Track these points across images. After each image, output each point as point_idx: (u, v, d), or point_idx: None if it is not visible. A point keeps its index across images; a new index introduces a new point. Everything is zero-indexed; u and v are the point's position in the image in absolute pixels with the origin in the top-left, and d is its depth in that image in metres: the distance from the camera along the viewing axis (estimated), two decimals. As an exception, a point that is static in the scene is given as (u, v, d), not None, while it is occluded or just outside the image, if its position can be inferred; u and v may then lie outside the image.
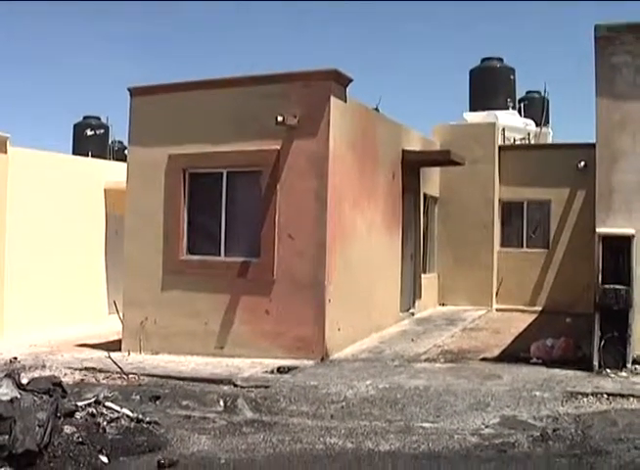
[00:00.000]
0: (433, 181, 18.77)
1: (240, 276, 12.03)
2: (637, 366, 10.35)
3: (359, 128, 13.18)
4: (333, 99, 11.77)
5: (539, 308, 18.60)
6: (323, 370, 10.77)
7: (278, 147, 11.87)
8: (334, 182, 11.83)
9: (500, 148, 19.65)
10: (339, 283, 12.05)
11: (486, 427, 8.09)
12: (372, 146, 14.00)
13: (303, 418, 8.53)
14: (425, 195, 17.99)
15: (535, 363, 11.15)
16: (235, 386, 9.84)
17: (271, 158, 11.89)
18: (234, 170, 12.29)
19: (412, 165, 16.33)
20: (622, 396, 9.02)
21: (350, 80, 12.24)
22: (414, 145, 16.63)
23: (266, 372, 10.63)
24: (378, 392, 9.41)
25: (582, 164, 17.87)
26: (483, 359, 11.71)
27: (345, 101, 12.29)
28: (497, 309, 18.77)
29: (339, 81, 12.06)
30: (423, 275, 17.77)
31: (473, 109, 24.60)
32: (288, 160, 11.84)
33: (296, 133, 11.73)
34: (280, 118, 11.40)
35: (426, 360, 11.72)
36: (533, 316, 17.51)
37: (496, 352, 12.32)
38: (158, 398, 9.25)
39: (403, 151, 15.82)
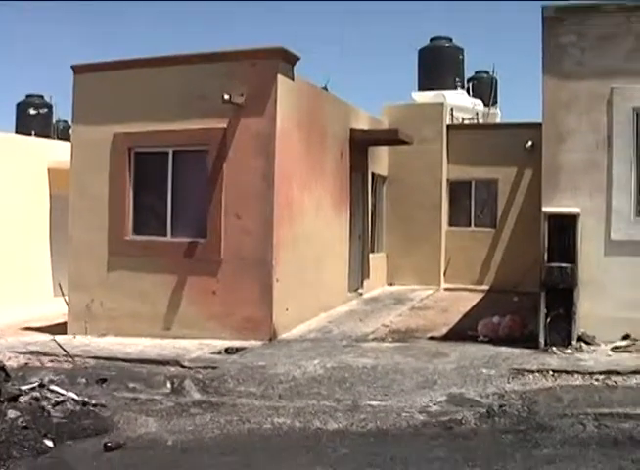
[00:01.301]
0: (381, 161, 18.84)
1: (187, 257, 11.96)
2: (582, 343, 10.52)
3: (307, 107, 13.14)
4: (280, 77, 11.71)
5: (487, 287, 18.86)
6: (271, 350, 10.79)
7: (224, 126, 11.79)
8: (281, 161, 11.81)
9: (448, 127, 19.80)
10: (286, 262, 12.05)
11: (434, 405, 8.20)
12: (320, 125, 13.98)
13: (251, 399, 8.56)
14: (373, 174, 18.06)
15: (482, 341, 11.29)
16: (182, 367, 9.81)
17: (218, 136, 11.81)
18: (180, 149, 12.18)
19: (360, 145, 16.38)
20: (567, 372, 9.19)
21: (298, 58, 12.20)
22: (362, 124, 16.66)
23: (214, 353, 10.63)
24: (326, 371, 9.45)
25: (530, 143, 18.07)
26: (431, 338, 11.82)
27: (293, 79, 12.25)
28: (445, 289, 18.97)
29: (286, 59, 12.00)
30: (371, 255, 17.86)
31: (421, 88, 24.65)
32: (234, 138, 11.76)
33: (242, 112, 11.66)
34: (226, 97, 11.29)
35: (374, 340, 11.79)
36: (481, 295, 17.74)
37: (444, 331, 12.45)
38: (104, 380, 9.19)
39: (351, 130, 15.85)
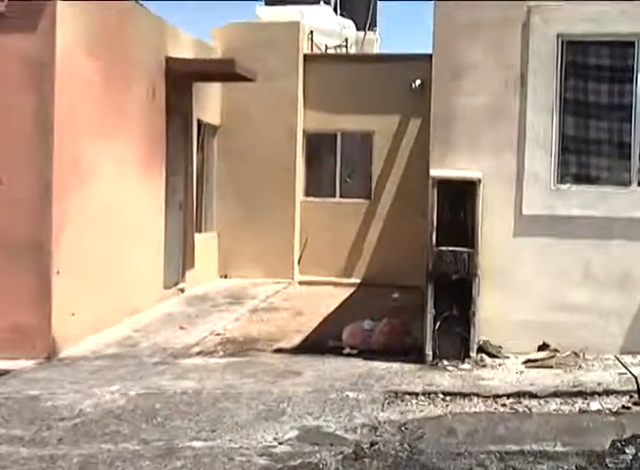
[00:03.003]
0: (211, 103, 18.85)
1: None
2: (484, 355, 10.78)
3: (103, 23, 12.92)
4: (63, -24, 11.49)
5: (357, 280, 19.21)
6: (49, 374, 10.64)
7: (-22, 46, 11.46)
8: (64, 100, 11.56)
9: (306, 58, 19.87)
10: (72, 247, 11.89)
11: (280, 443, 8.16)
12: (122, 49, 13.78)
13: (16, 445, 8.23)
14: (200, 122, 18.08)
15: (349, 354, 11.44)
16: None
17: (-35, 62, 11.48)
18: None
19: (181, 80, 16.30)
20: (464, 395, 9.39)
21: (88, -50, 11.97)
22: (184, 51, 16.61)
23: (-39, 380, 10.37)
24: (129, 401, 9.34)
25: (418, 82, 18.33)
26: (278, 350, 11.95)
27: (82, -19, 12.02)
28: (300, 282, 19.22)
29: (72, -50, 11.76)
30: (197, 235, 17.91)
31: (269, 2, 24.56)
32: (-8, 65, 11.48)
33: (4, 25, 11.29)
34: (-24, 0, 10.98)
35: (198, 354, 11.83)
36: (350, 291, 18.07)
37: (296, 341, 12.61)
38: None
39: (168, 59, 15.76)
